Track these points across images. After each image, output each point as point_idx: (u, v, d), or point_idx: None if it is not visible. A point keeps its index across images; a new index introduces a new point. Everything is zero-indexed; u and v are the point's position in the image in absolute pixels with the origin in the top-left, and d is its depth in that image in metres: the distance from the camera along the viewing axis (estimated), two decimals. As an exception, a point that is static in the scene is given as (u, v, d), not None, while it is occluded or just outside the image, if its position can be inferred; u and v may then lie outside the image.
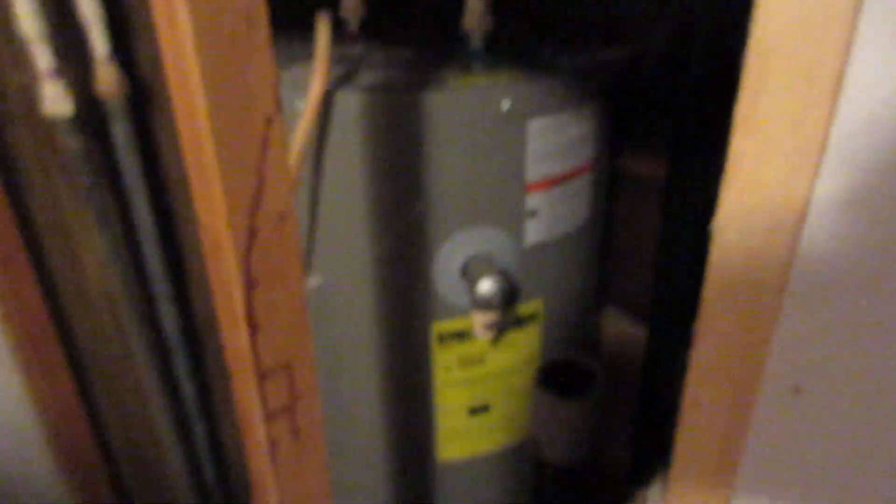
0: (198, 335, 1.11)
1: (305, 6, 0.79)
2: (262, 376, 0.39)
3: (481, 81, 0.67)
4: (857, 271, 0.35)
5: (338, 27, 0.90)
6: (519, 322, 0.79)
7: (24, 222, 0.88)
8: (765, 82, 0.34)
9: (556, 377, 0.65)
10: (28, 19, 0.76)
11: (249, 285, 0.36)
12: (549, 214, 0.75)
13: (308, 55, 0.69)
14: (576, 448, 0.62)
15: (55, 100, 0.80)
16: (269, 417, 0.41)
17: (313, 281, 0.75)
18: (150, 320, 1.00)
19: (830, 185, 0.34)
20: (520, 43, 0.83)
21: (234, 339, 0.38)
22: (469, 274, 0.71)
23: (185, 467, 1.13)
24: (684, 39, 0.87)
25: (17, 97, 0.83)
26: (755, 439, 0.42)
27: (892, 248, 0.34)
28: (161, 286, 0.99)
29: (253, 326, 0.38)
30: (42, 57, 0.78)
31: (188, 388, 1.09)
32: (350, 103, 0.64)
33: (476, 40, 0.77)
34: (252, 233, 0.35)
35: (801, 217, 0.36)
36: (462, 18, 0.76)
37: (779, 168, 0.35)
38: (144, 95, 0.87)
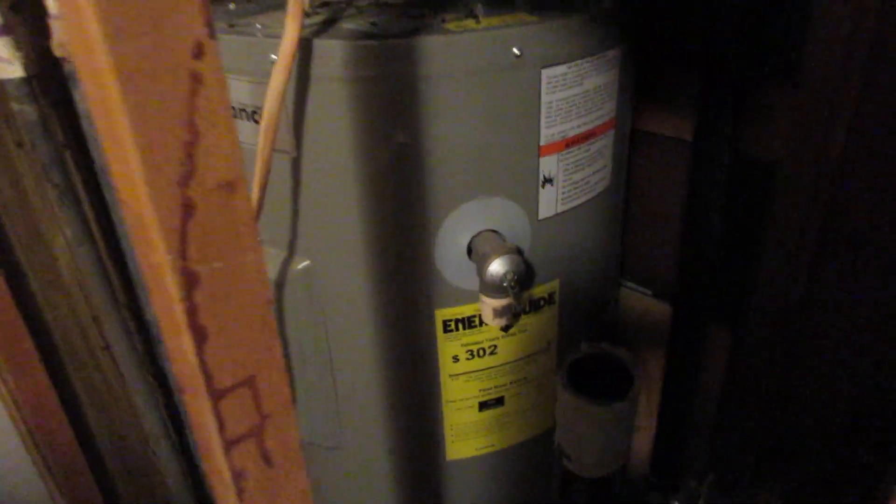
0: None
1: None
2: (218, 396, 0.30)
3: (488, 24, 0.57)
4: None
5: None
6: (534, 306, 0.70)
7: (-24, 204, 0.79)
8: None
9: (584, 373, 0.56)
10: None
11: (190, 280, 0.27)
12: (567, 181, 0.65)
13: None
14: (610, 458, 0.53)
15: (4, 62, 0.71)
16: (230, 444, 0.32)
17: (299, 265, 0.66)
18: (130, 306, 0.91)
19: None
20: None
21: (178, 351, 0.29)
22: (477, 253, 0.62)
23: (173, 457, 1.06)
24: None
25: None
26: None
27: None
28: (136, 271, 0.90)
29: (199, 334, 0.28)
30: (-22, 13, 0.68)
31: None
32: (334, 52, 0.54)
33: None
34: (186, 209, 0.26)
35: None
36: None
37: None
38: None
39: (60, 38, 0.74)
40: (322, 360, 0.70)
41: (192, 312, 0.28)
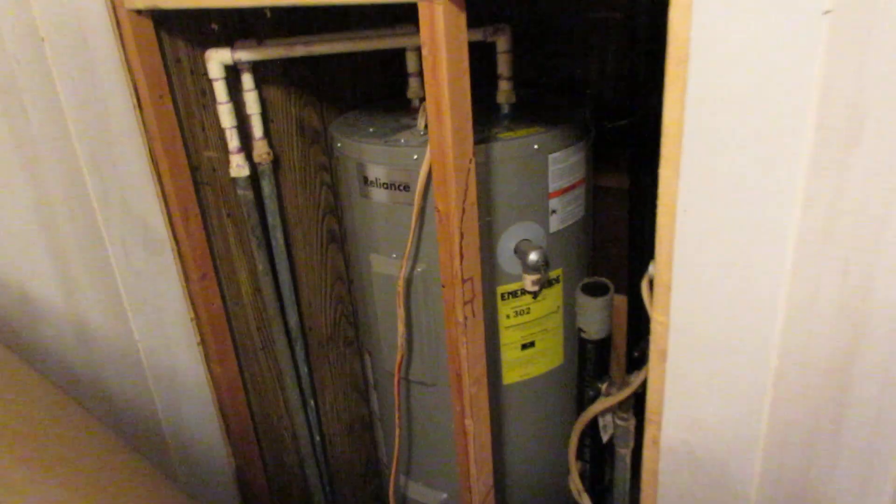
0: (305, 331, 1.52)
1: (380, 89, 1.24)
2: (462, 282, 0.83)
3: (519, 134, 1.12)
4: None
5: (406, 105, 1.36)
6: (549, 283, 1.23)
7: (211, 250, 1.28)
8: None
9: (587, 289, 1.08)
10: (226, 116, 1.19)
11: (461, 236, 0.80)
12: (562, 212, 1.20)
13: (394, 125, 1.14)
14: (604, 327, 1.06)
15: (240, 166, 1.23)
16: (464, 304, 0.84)
17: (419, 268, 1.18)
18: (283, 318, 1.42)
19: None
20: (531, 106, 1.29)
21: (450, 264, 0.81)
22: (520, 251, 1.15)
23: (303, 429, 1.53)
24: (630, 90, 1.36)
25: (206, 167, 1.25)
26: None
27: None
28: (288, 293, 1.41)
29: (461, 256, 0.81)
30: (233, 140, 1.21)
31: (304, 371, 1.49)
32: (446, 153, 1.09)
33: (505, 107, 1.24)
34: (462, 210, 0.79)
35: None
36: (496, 94, 1.23)
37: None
38: (277, 162, 1.30)
39: (261, 153, 1.27)
40: (430, 327, 1.21)
41: (460, 249, 0.81)
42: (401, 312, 1.15)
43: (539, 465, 1.35)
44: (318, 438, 1.57)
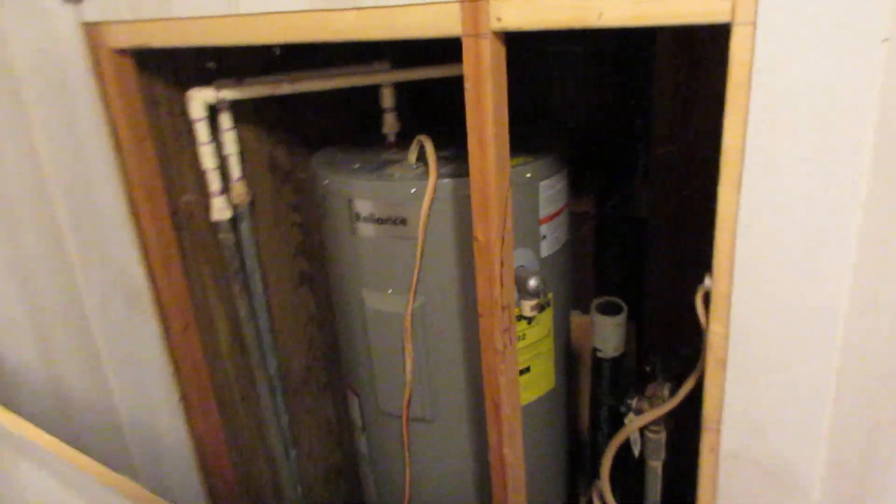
0: (284, 376, 1.47)
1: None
2: (502, 308, 0.83)
3: (513, 163, 1.15)
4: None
5: (381, 140, 1.36)
6: (540, 307, 1.25)
7: (192, 300, 1.22)
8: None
9: (602, 309, 1.11)
10: (208, 157, 1.15)
11: (500, 263, 0.81)
12: (551, 237, 1.24)
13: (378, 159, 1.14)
14: (619, 345, 1.09)
15: (222, 209, 1.18)
16: (503, 332, 0.84)
17: (418, 302, 1.17)
18: (264, 365, 1.36)
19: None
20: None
21: (490, 292, 0.82)
22: (518, 278, 1.17)
23: (286, 480, 1.46)
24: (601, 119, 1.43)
25: (183, 212, 1.20)
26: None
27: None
28: (268, 339, 1.36)
29: (500, 284, 0.82)
30: (214, 182, 1.16)
31: (284, 420, 1.44)
32: (447, 186, 1.09)
33: (488, 140, 1.26)
34: (502, 240, 0.80)
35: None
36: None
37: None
38: (252, 203, 1.26)
39: (240, 194, 1.22)
40: (430, 361, 1.20)
41: (500, 276, 0.81)
42: (409, 348, 1.14)
43: (535, 491, 1.36)
44: (299, 489, 1.51)
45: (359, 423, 1.41)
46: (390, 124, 1.35)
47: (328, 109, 1.48)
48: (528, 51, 1.52)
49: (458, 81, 1.31)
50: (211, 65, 1.10)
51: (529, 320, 1.24)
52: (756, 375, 0.70)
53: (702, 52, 1.35)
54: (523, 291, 1.17)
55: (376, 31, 0.74)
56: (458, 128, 1.32)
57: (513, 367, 0.87)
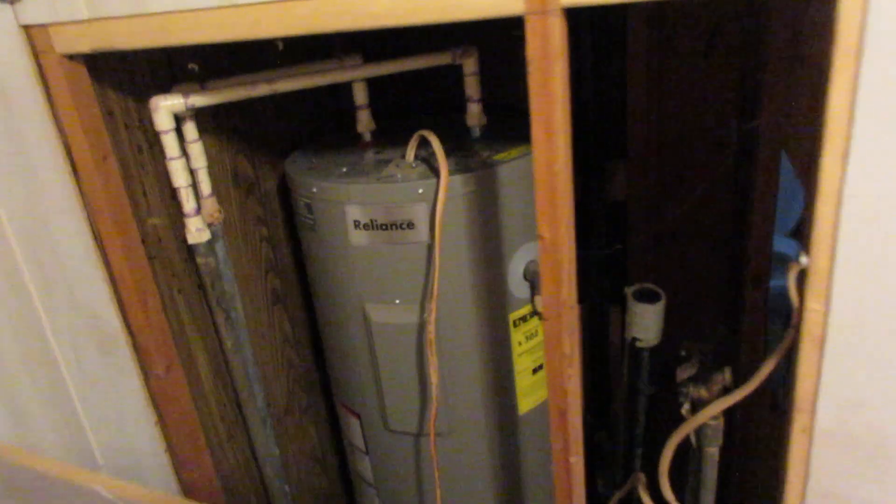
0: (272, 409, 1.34)
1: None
2: (570, 309, 0.77)
3: (513, 154, 1.08)
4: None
5: (356, 139, 1.26)
6: (548, 302, 1.20)
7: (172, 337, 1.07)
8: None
9: (640, 297, 1.07)
10: (180, 173, 1.01)
11: (568, 262, 0.74)
12: (552, 228, 1.19)
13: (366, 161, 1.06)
14: (659, 334, 1.05)
15: (200, 230, 1.05)
16: (570, 335, 0.78)
17: (432, 305, 1.08)
18: (252, 398, 1.23)
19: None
20: (498, 127, 1.26)
21: (557, 293, 0.75)
22: (530, 273, 1.11)
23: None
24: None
25: (152, 238, 1.05)
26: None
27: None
28: (253, 369, 1.24)
29: (568, 284, 0.75)
30: (189, 201, 1.03)
31: (275, 454, 1.32)
32: (456, 180, 1.01)
33: (476, 130, 1.19)
34: (569, 237, 0.74)
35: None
36: (465, 116, 1.18)
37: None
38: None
39: (212, 212, 1.09)
40: (444, 372, 1.12)
41: (569, 280, 0.75)
42: (433, 360, 1.05)
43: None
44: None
45: (360, 445, 1.30)
46: (366, 122, 1.24)
47: (285, 113, 1.35)
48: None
49: (414, 74, 1.23)
50: (192, 66, 0.95)
51: (541, 315, 1.18)
52: (856, 352, 0.68)
53: (671, 31, 1.34)
54: (536, 287, 1.11)
55: (427, 14, 0.65)
56: (425, 122, 1.25)
57: (577, 372, 0.81)
